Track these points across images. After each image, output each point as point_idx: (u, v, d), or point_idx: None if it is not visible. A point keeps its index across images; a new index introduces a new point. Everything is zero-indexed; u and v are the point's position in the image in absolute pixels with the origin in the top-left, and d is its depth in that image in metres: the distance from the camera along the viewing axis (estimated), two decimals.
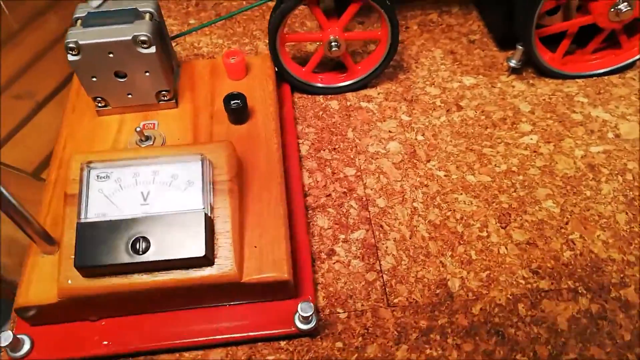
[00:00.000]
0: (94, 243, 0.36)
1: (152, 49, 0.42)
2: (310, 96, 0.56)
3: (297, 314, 0.39)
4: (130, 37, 0.41)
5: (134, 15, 0.43)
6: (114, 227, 0.36)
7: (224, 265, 0.37)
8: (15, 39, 0.61)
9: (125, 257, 0.35)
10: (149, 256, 0.36)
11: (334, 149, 0.52)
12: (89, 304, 0.38)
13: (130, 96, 0.46)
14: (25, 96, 0.56)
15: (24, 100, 0.55)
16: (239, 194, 0.40)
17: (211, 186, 0.39)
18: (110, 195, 0.37)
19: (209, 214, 0.38)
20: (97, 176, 0.38)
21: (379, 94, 0.57)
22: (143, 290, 0.37)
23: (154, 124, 0.47)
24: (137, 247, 0.36)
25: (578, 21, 0.52)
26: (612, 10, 0.49)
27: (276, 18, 0.49)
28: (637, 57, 0.55)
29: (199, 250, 0.36)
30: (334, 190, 0.49)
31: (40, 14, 0.62)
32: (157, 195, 0.38)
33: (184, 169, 0.38)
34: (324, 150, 0.52)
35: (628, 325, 0.41)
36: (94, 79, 0.44)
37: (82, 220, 0.36)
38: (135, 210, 0.37)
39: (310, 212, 0.48)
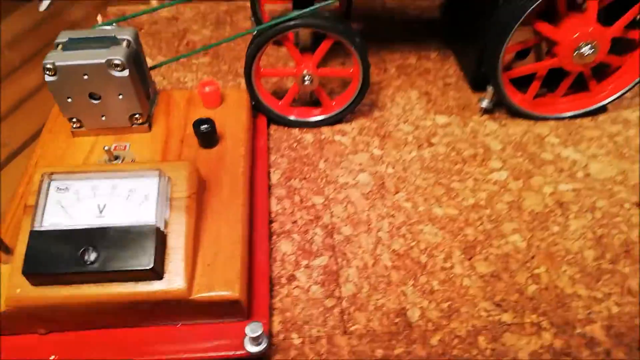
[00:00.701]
0: (45, 251, 0.36)
1: (125, 72, 0.44)
2: (286, 128, 0.58)
3: (247, 337, 0.38)
4: (104, 60, 0.43)
5: (111, 41, 0.45)
6: (65, 237, 0.36)
7: (173, 281, 0.37)
8: None
9: (73, 266, 0.35)
10: (97, 266, 0.36)
11: (304, 178, 0.53)
12: (37, 315, 0.38)
13: (104, 118, 0.47)
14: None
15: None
16: (197, 212, 0.41)
17: (168, 202, 0.39)
18: (67, 207, 0.38)
19: (162, 229, 0.38)
20: (57, 188, 0.39)
21: (352, 129, 0.58)
22: (92, 302, 0.37)
23: (126, 145, 0.48)
24: (86, 256, 0.36)
25: (544, 64, 0.53)
26: (576, 53, 0.51)
27: (251, 52, 0.51)
28: (606, 101, 0.56)
29: (147, 263, 0.36)
30: (300, 218, 0.49)
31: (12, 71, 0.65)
32: (113, 208, 0.38)
33: (141, 184, 0.39)
34: (295, 179, 0.53)
35: None
36: (69, 100, 0.46)
37: (35, 229, 0.37)
38: (89, 222, 0.37)
39: (275, 237, 0.48)
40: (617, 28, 0.50)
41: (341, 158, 0.55)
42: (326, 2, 0.49)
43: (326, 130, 0.58)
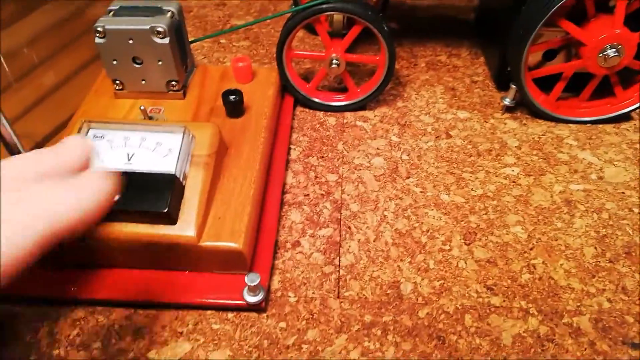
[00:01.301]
0: None
1: (166, 40, 0.49)
2: (311, 111, 0.61)
3: (246, 287, 0.41)
4: (148, 27, 0.48)
5: (157, 11, 0.50)
6: None
7: (185, 228, 0.41)
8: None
9: None
10: (120, 206, 0.40)
11: (322, 157, 0.56)
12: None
13: (144, 82, 0.52)
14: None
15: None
16: (215, 170, 0.44)
17: (189, 157, 0.43)
18: (100, 152, 0.42)
19: (180, 179, 0.42)
20: (94, 135, 0.43)
21: (375, 116, 0.60)
22: (111, 239, 0.41)
23: (160, 109, 0.52)
24: None
25: (567, 65, 0.54)
26: (601, 55, 0.51)
27: (283, 33, 0.55)
28: (630, 108, 0.56)
29: (163, 207, 0.40)
30: (312, 192, 0.52)
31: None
32: (140, 158, 0.42)
33: (167, 138, 0.43)
34: (313, 157, 0.56)
35: (575, 352, 0.40)
36: (115, 62, 0.51)
37: None
38: (118, 167, 0.42)
39: (286, 207, 0.51)
40: None
41: (360, 142, 0.57)
42: None
43: (349, 115, 0.60)
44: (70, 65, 0.66)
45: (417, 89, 0.64)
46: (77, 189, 0.26)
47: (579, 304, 0.43)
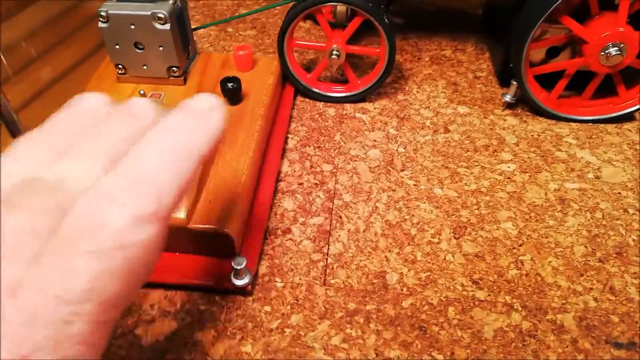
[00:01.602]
0: None
1: (167, 26, 0.49)
2: (311, 101, 0.61)
3: (232, 270, 0.42)
4: (149, 13, 0.49)
5: None
6: None
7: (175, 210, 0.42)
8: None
9: None
10: None
11: (319, 147, 0.56)
12: None
13: (145, 67, 0.53)
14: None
15: None
16: (210, 156, 0.45)
17: None
18: None
19: None
20: None
21: (375, 108, 0.60)
22: None
23: (161, 94, 0.53)
24: None
25: (570, 62, 0.54)
26: (603, 53, 0.51)
27: (284, 23, 0.55)
28: (632, 108, 0.55)
29: None
30: (307, 181, 0.53)
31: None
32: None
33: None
34: (310, 146, 0.56)
35: (556, 348, 0.40)
36: (117, 47, 0.52)
37: None
38: None
39: (280, 194, 0.51)
40: None
41: (357, 133, 0.57)
42: None
43: (349, 107, 0.61)
44: (67, 60, 0.67)
45: (419, 82, 0.64)
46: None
47: (564, 301, 0.42)
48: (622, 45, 0.50)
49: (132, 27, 0.50)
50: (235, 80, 0.51)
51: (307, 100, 0.62)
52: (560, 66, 0.54)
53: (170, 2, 0.51)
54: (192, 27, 0.56)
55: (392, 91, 0.63)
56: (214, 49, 0.70)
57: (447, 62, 0.67)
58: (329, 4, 0.54)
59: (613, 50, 0.50)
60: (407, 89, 0.63)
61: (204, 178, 0.45)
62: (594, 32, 0.51)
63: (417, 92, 0.63)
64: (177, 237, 0.43)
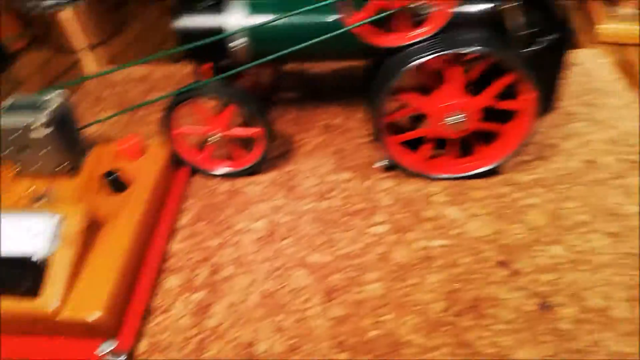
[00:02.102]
0: None
1: (47, 132, 0.54)
2: (207, 177, 0.65)
3: (102, 352, 0.45)
4: (26, 124, 0.53)
5: (39, 106, 0.55)
6: None
7: (45, 303, 0.45)
8: None
9: None
10: None
11: (210, 222, 0.60)
12: None
13: (37, 165, 0.57)
14: None
15: None
16: (84, 245, 0.49)
17: (57, 237, 0.48)
18: None
19: (46, 259, 0.46)
20: None
21: (265, 180, 0.65)
22: None
23: (52, 188, 0.57)
24: None
25: (423, 131, 0.59)
26: (444, 123, 0.56)
27: (164, 115, 0.60)
28: (491, 165, 0.60)
29: (25, 285, 0.44)
30: (194, 257, 0.56)
31: None
32: (12, 236, 0.47)
33: (38, 221, 0.48)
34: (201, 222, 0.60)
35: None
36: (9, 150, 0.56)
37: None
38: None
39: (166, 272, 0.55)
40: (484, 99, 0.55)
41: (246, 206, 0.61)
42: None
43: (241, 181, 0.65)
44: None
45: (309, 152, 0.69)
46: None
47: (420, 358, 0.46)
48: (461, 114, 0.55)
49: (17, 134, 0.54)
50: (115, 172, 0.56)
51: (204, 176, 0.66)
52: (417, 134, 0.59)
53: (50, 109, 0.55)
54: (85, 124, 0.61)
55: (283, 161, 0.67)
56: (122, 135, 0.74)
57: (337, 130, 0.72)
58: (203, 97, 0.59)
59: (450, 120, 0.56)
60: (296, 160, 0.68)
61: (78, 268, 0.48)
62: (433, 104, 0.56)
63: (306, 161, 0.67)
64: (47, 326, 0.46)
